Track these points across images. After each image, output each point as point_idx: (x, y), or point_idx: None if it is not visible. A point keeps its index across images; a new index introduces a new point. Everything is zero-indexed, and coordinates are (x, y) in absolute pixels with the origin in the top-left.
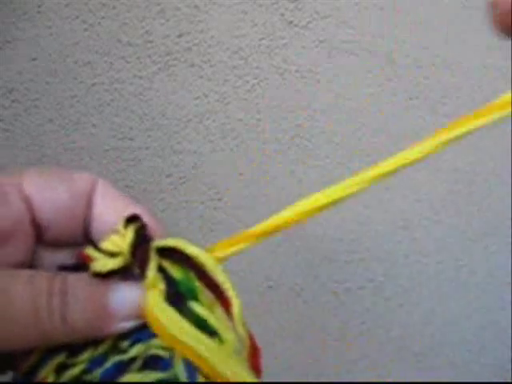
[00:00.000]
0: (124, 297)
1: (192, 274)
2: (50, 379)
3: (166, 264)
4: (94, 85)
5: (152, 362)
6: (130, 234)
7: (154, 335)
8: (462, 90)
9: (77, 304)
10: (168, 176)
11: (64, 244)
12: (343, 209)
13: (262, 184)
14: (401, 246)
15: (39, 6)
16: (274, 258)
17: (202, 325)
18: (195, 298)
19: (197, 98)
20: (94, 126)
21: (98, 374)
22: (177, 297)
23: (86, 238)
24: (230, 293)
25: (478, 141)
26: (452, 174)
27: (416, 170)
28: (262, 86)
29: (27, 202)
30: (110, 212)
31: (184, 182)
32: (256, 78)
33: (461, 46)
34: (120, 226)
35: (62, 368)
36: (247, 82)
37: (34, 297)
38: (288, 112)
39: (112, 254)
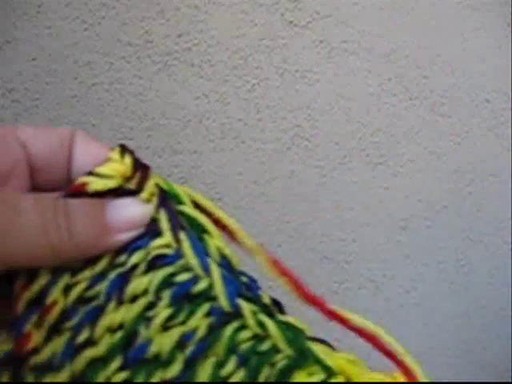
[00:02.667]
0: (119, 209)
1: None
2: (61, 301)
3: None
4: (93, 85)
5: (156, 263)
6: (128, 158)
7: (151, 239)
8: (461, 89)
9: (79, 219)
10: (168, 176)
11: (52, 188)
12: (343, 209)
13: (262, 184)
14: (401, 246)
15: (39, 6)
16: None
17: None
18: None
19: (197, 98)
20: (93, 126)
21: (102, 288)
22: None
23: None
24: (227, 219)
25: (478, 141)
26: (452, 174)
27: (416, 170)
28: (262, 86)
29: (23, 145)
30: (89, 153)
31: (184, 182)
32: (256, 78)
33: (461, 46)
34: (115, 155)
35: (67, 289)
36: (247, 81)
37: (42, 212)
38: (288, 112)
39: (108, 177)
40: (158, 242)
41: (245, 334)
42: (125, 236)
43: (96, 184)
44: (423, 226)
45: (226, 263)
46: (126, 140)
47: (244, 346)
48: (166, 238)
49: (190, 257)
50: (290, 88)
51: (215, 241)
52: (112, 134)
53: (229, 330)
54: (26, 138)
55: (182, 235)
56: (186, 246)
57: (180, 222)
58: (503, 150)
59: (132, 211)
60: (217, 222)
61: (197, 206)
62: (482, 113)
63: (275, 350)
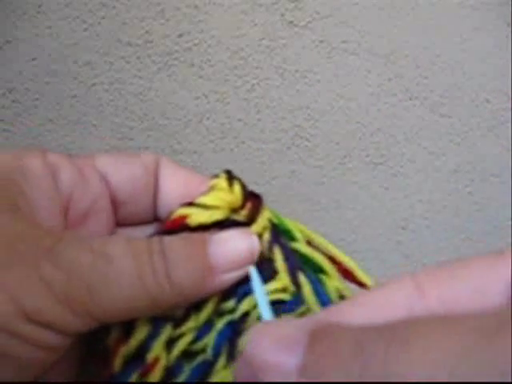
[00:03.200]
0: (223, 245)
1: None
2: (163, 357)
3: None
4: (93, 85)
5: (273, 310)
6: (237, 186)
7: (264, 282)
8: (461, 89)
9: (178, 261)
10: None
11: (138, 222)
12: (343, 209)
13: (262, 184)
14: (401, 246)
15: (39, 6)
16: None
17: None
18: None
19: (197, 98)
20: (93, 125)
21: (210, 340)
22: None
23: (156, 214)
24: (342, 256)
25: (478, 141)
26: (452, 174)
27: (416, 170)
28: (261, 86)
29: (104, 179)
30: (176, 185)
31: None
32: (256, 78)
33: (461, 46)
34: (221, 182)
35: (170, 342)
36: (247, 81)
37: (135, 255)
38: (288, 112)
39: (213, 208)
40: (273, 285)
41: None
42: (231, 276)
43: (199, 216)
44: (423, 225)
45: None
46: (125, 140)
47: None
48: (282, 280)
49: (313, 303)
50: (290, 88)
51: (334, 281)
52: (112, 134)
53: None
54: (106, 169)
55: (302, 278)
56: (307, 290)
57: (297, 262)
58: (503, 150)
59: (238, 246)
60: (331, 260)
61: (309, 242)
62: (482, 113)
63: None
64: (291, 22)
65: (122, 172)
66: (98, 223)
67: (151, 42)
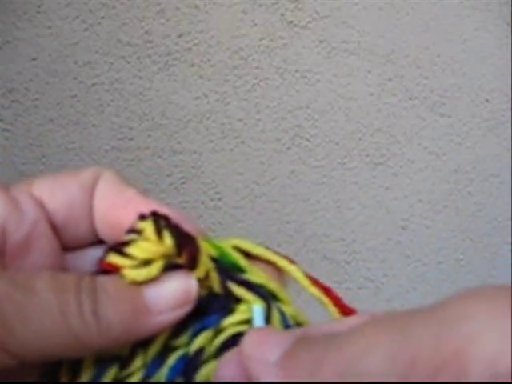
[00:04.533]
0: (159, 287)
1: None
2: None
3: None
4: (93, 85)
5: (233, 343)
6: (167, 238)
7: (221, 317)
8: (461, 89)
9: (108, 299)
10: (168, 176)
11: (85, 244)
12: (343, 209)
13: (262, 184)
14: (401, 246)
15: (39, 6)
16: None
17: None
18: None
19: (197, 98)
20: (93, 126)
21: (162, 376)
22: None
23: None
24: (288, 266)
25: (478, 141)
26: (452, 174)
27: (416, 170)
28: (261, 86)
29: (40, 205)
30: (104, 206)
31: (184, 182)
32: (256, 78)
33: (461, 46)
34: (148, 232)
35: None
36: (247, 81)
37: (60, 290)
38: (288, 112)
39: (144, 261)
40: (233, 318)
41: None
42: (169, 317)
43: (135, 274)
44: (423, 225)
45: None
46: (125, 140)
47: None
48: (243, 312)
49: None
50: (290, 88)
51: (289, 308)
52: (112, 134)
53: None
54: (42, 194)
55: (273, 310)
56: (276, 320)
57: (263, 293)
58: (503, 150)
59: (174, 287)
60: (276, 269)
61: (247, 255)
62: (482, 113)
63: None
64: (291, 22)
65: (58, 195)
66: (41, 251)
67: (151, 41)
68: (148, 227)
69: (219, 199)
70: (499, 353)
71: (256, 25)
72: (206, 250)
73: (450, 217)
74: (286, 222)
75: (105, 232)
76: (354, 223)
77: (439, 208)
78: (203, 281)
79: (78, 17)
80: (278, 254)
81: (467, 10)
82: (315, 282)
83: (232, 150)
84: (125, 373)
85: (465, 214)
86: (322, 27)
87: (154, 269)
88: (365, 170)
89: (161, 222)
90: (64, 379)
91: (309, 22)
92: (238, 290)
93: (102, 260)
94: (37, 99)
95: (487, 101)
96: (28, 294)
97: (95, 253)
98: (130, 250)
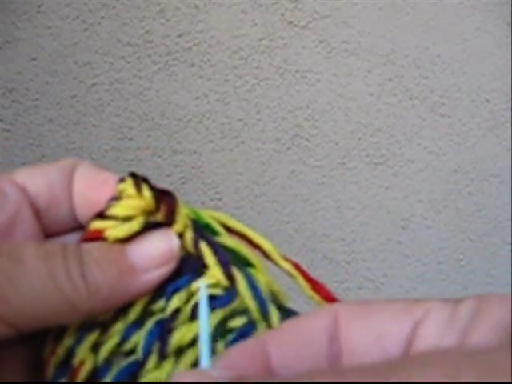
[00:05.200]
0: (143, 245)
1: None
2: (89, 360)
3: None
4: (93, 85)
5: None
6: (146, 191)
7: (193, 278)
8: (461, 89)
9: (94, 261)
10: (168, 176)
11: (66, 229)
12: (343, 209)
13: (262, 184)
14: (401, 246)
15: (39, 6)
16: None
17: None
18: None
19: (197, 98)
20: (93, 126)
21: (139, 339)
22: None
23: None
24: (259, 239)
25: (478, 141)
26: (452, 174)
27: (416, 170)
28: (262, 86)
29: (22, 189)
30: (89, 185)
31: (184, 182)
32: (256, 78)
33: (461, 46)
34: (128, 188)
35: (97, 346)
36: (247, 81)
37: (48, 257)
38: (288, 112)
39: (125, 219)
40: (203, 280)
41: None
42: (153, 275)
43: (117, 231)
44: (423, 225)
45: (274, 300)
46: (125, 140)
47: None
48: (213, 275)
49: (248, 298)
50: (290, 88)
51: (262, 275)
52: (112, 134)
53: None
54: (23, 180)
55: (236, 272)
56: (243, 284)
57: (228, 256)
58: (503, 150)
59: (157, 245)
60: (249, 243)
61: (227, 229)
62: (482, 113)
63: None
64: (291, 22)
65: (38, 179)
66: (24, 235)
67: (151, 42)
68: (127, 185)
69: (219, 199)
70: None
71: (256, 25)
72: (184, 209)
73: (450, 217)
74: (285, 222)
75: (84, 214)
76: (354, 223)
77: (439, 208)
78: (179, 239)
79: (78, 17)
80: (251, 229)
81: (467, 9)
82: (285, 256)
83: (232, 150)
84: (106, 335)
85: (465, 214)
86: (322, 27)
87: (135, 224)
88: (365, 170)
89: (139, 179)
90: (49, 348)
91: (309, 22)
92: (206, 251)
93: (85, 230)
94: (37, 99)
95: (487, 101)
96: (17, 262)
97: (76, 238)
98: (111, 211)
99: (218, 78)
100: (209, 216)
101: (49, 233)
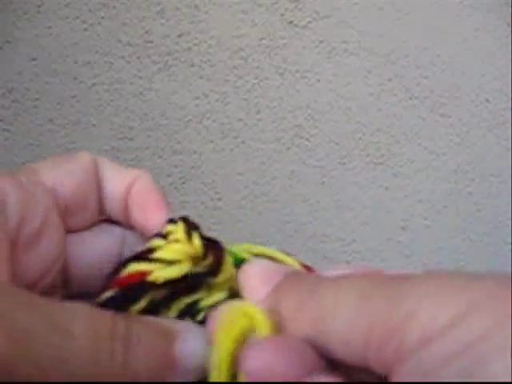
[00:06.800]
0: (191, 348)
1: None
2: None
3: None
4: (93, 85)
5: None
6: (196, 238)
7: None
8: (461, 89)
9: (141, 351)
10: (168, 176)
11: (86, 226)
12: (343, 209)
13: (262, 184)
14: (401, 246)
15: (39, 6)
16: None
17: None
18: None
19: (197, 98)
20: (93, 126)
21: None
22: None
23: (102, 213)
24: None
25: (478, 141)
26: (452, 174)
27: (416, 170)
28: (261, 86)
29: (51, 193)
30: (117, 183)
31: (184, 182)
32: (256, 78)
33: (461, 46)
34: (178, 232)
35: None
36: (247, 81)
37: (96, 338)
38: (288, 112)
39: (171, 263)
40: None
41: None
42: (190, 375)
43: (164, 272)
44: (423, 225)
45: None
46: (125, 140)
47: None
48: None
49: None
50: (290, 88)
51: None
52: (112, 134)
53: None
54: (54, 184)
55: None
56: None
57: None
58: (503, 150)
59: (203, 348)
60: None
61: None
62: (482, 113)
63: None
64: (291, 22)
65: (67, 183)
66: (50, 240)
67: (151, 42)
68: (179, 229)
69: (219, 199)
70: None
71: (256, 25)
72: (229, 258)
73: (450, 217)
74: (286, 222)
75: (117, 209)
76: (354, 223)
77: (439, 208)
78: (226, 283)
79: (78, 17)
80: (290, 256)
81: (467, 9)
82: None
83: (232, 150)
84: None
85: (465, 214)
86: (322, 27)
87: (185, 267)
88: (365, 170)
89: (191, 224)
90: None
91: (309, 22)
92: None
93: (119, 270)
94: (37, 99)
95: (487, 101)
96: (66, 338)
97: (96, 233)
98: (158, 254)
99: (218, 77)
100: (244, 251)
101: (70, 230)
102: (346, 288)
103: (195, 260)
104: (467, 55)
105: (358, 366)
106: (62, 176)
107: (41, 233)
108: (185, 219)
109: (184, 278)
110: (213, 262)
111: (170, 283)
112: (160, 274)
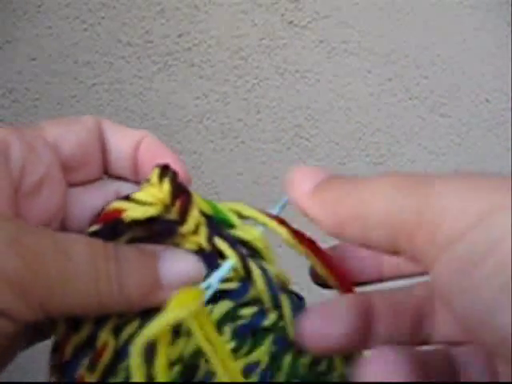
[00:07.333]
0: (173, 264)
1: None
2: (111, 343)
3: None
4: (93, 85)
5: (219, 295)
6: (166, 184)
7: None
8: (461, 89)
9: (130, 271)
10: None
11: (87, 181)
12: None
13: (262, 184)
14: None
15: (39, 6)
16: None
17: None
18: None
19: (197, 98)
20: None
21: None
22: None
23: (105, 172)
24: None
25: (478, 141)
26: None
27: (416, 170)
28: (261, 86)
29: (54, 149)
30: (123, 142)
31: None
32: (256, 78)
33: (461, 46)
34: (154, 178)
35: (117, 330)
36: (247, 81)
37: (93, 258)
38: (288, 112)
39: (144, 204)
40: (216, 274)
41: (304, 360)
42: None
43: (133, 212)
44: None
45: (282, 288)
46: None
47: (303, 371)
48: (225, 270)
49: (262, 290)
50: (290, 88)
51: (273, 267)
52: None
53: (289, 357)
54: (55, 140)
55: (253, 265)
56: (259, 278)
57: (243, 249)
58: (503, 150)
59: (186, 268)
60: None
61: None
62: (482, 113)
63: (330, 369)
64: (291, 22)
65: (70, 140)
66: (51, 192)
67: (151, 42)
68: (154, 174)
69: (219, 199)
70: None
71: (256, 25)
72: (200, 205)
73: None
74: None
75: (124, 167)
76: None
77: None
78: (192, 235)
79: (78, 17)
80: (269, 215)
81: (467, 9)
82: (302, 239)
83: (232, 150)
84: (124, 319)
85: None
86: (322, 27)
87: (151, 210)
88: (365, 170)
89: (166, 171)
90: (62, 329)
91: (309, 22)
92: (222, 245)
93: (107, 210)
94: (37, 99)
95: (487, 101)
96: (67, 257)
97: (97, 189)
98: (135, 195)
99: (218, 77)
100: (226, 208)
101: (72, 185)
102: (383, 181)
103: (166, 207)
104: (467, 55)
105: (390, 252)
106: (64, 133)
107: (42, 184)
108: (162, 166)
109: (155, 222)
110: (179, 210)
111: (139, 224)
112: (130, 213)
